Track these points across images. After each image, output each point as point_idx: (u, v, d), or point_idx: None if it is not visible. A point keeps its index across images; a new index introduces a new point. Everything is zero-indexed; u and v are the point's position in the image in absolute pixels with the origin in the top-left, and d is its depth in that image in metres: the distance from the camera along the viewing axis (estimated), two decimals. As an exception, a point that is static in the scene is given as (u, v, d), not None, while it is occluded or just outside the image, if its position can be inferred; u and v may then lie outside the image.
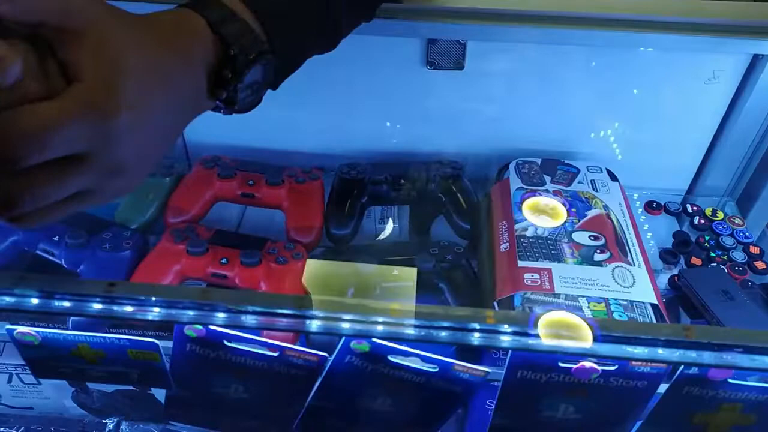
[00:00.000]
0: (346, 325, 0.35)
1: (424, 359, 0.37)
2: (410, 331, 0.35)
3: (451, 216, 0.68)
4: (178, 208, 0.65)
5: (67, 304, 0.35)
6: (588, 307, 0.54)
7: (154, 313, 0.35)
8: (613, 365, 0.37)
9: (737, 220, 0.71)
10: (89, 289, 0.35)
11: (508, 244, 0.61)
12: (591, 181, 0.69)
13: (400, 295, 0.56)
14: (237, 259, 0.58)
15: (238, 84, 0.39)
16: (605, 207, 0.65)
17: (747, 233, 0.69)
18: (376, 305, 0.35)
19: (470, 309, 0.37)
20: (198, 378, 0.41)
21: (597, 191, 0.67)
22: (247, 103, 0.42)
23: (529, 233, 0.61)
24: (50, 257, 0.59)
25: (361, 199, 0.68)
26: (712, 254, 0.66)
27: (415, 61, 0.67)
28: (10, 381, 0.76)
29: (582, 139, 0.75)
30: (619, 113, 0.72)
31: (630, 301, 0.55)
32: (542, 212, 0.64)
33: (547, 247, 0.60)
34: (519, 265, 0.58)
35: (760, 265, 0.65)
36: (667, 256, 0.66)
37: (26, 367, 0.48)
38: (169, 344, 0.40)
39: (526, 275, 0.57)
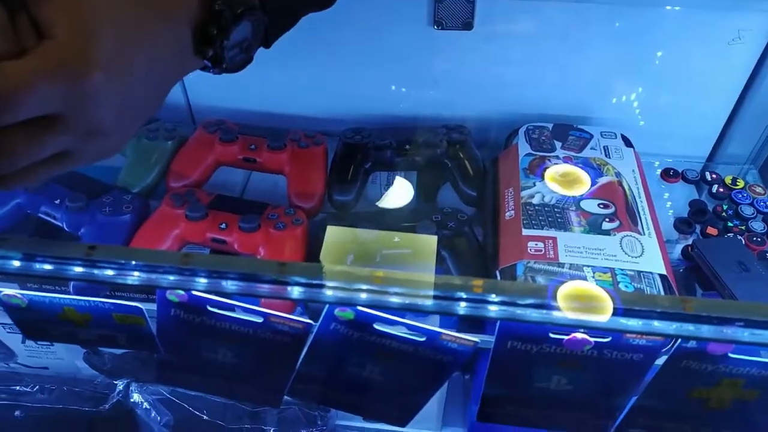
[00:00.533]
0: (329, 293, 0.34)
1: (410, 328, 0.36)
2: (395, 299, 0.34)
3: (457, 182, 0.66)
4: (179, 173, 0.65)
5: (48, 267, 0.35)
6: (593, 276, 0.52)
7: (134, 277, 0.34)
8: (607, 337, 0.35)
9: (758, 189, 0.67)
10: (70, 252, 0.35)
11: (513, 211, 0.59)
12: (604, 147, 0.66)
13: (418, 264, 0.55)
14: (236, 225, 0.57)
15: (225, 41, 0.38)
16: (617, 174, 0.62)
17: (768, 202, 0.66)
18: (359, 272, 0.34)
19: (458, 278, 0.36)
20: (185, 342, 0.41)
21: (610, 158, 0.65)
22: (237, 61, 0.41)
23: (535, 201, 0.59)
24: (52, 220, 0.59)
25: (364, 165, 0.66)
26: (730, 224, 0.64)
27: (422, 21, 0.65)
28: (24, 341, 0.78)
29: (598, 104, 0.71)
30: (638, 76, 0.69)
31: (637, 271, 0.53)
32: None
33: (554, 215, 0.58)
34: (523, 234, 0.56)
35: (780, 235, 0.62)
36: (682, 225, 0.64)
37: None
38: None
39: (530, 244, 0.55)
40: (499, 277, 0.55)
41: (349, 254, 0.57)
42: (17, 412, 0.80)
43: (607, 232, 0.56)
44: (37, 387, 0.81)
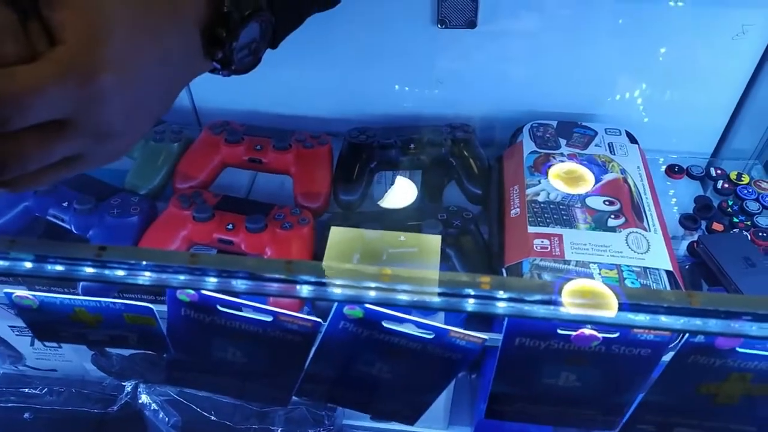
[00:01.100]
0: (337, 291, 0.34)
1: (419, 326, 0.37)
2: (403, 297, 0.34)
3: (462, 181, 0.66)
4: (185, 174, 0.65)
5: (59, 268, 0.35)
6: (599, 273, 0.53)
7: (145, 277, 0.35)
8: (615, 333, 0.35)
9: (764, 184, 0.67)
10: (80, 253, 0.35)
11: (518, 209, 0.59)
12: (609, 144, 0.66)
13: (423, 263, 0.55)
14: (243, 225, 0.57)
15: (234, 43, 0.38)
16: (622, 171, 0.62)
17: (774, 198, 0.66)
18: (366, 270, 0.34)
19: (466, 275, 0.36)
20: (195, 342, 0.42)
21: (614, 154, 0.65)
22: (245, 63, 0.41)
23: (540, 198, 0.59)
24: (60, 222, 0.60)
25: (370, 164, 0.67)
26: (735, 219, 0.64)
27: (425, 20, 0.65)
28: (32, 344, 0.78)
29: (602, 101, 0.72)
30: (642, 72, 0.69)
31: (644, 267, 0.53)
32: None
33: (559, 212, 0.58)
34: (529, 231, 0.56)
35: (786, 231, 0.62)
36: (687, 221, 0.64)
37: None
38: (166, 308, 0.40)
39: (536, 241, 0.55)
40: (505, 275, 0.55)
41: (354, 254, 0.58)
42: (26, 415, 0.80)
43: (612, 229, 0.56)
44: (46, 389, 0.82)
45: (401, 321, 0.36)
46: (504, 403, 0.44)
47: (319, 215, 0.64)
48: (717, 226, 0.63)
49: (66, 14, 0.30)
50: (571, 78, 0.69)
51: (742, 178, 0.68)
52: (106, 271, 0.35)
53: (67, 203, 0.59)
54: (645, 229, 0.56)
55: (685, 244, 0.64)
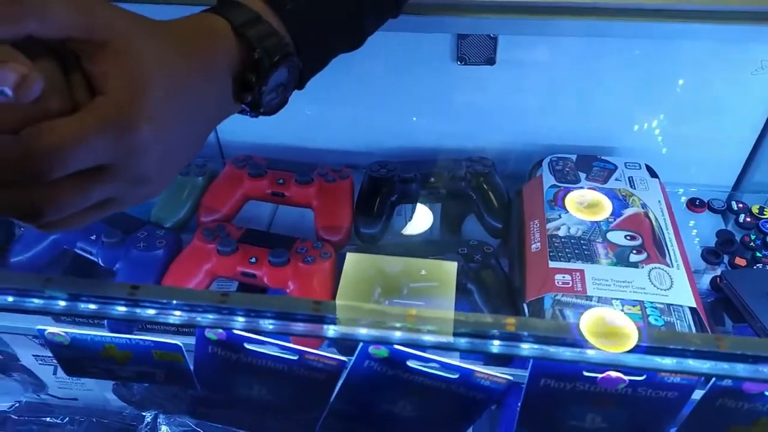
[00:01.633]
0: (363, 331, 0.35)
1: (443, 366, 0.37)
2: (428, 338, 0.34)
3: (482, 214, 0.67)
4: (209, 207, 0.66)
5: (93, 306, 0.36)
6: (622, 310, 0.52)
7: (175, 316, 0.35)
8: (641, 375, 0.35)
9: (787, 218, 0.67)
10: (113, 292, 0.36)
11: (539, 243, 0.59)
12: (629, 177, 0.66)
13: (438, 290, 0.55)
14: (266, 259, 0.58)
15: (263, 87, 0.39)
16: (643, 205, 0.62)
17: (797, 232, 0.65)
18: (393, 310, 0.34)
19: (490, 316, 0.36)
20: (221, 379, 0.42)
21: (635, 188, 0.65)
22: (273, 105, 0.42)
23: (561, 233, 0.59)
24: (88, 255, 0.61)
25: (390, 198, 0.67)
26: (758, 254, 0.63)
27: (445, 57, 0.66)
28: (55, 373, 0.79)
29: (622, 134, 0.72)
30: (661, 106, 0.69)
31: (667, 304, 0.52)
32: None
33: (580, 247, 0.58)
34: (550, 266, 0.56)
35: (810, 266, 0.62)
36: (710, 256, 0.64)
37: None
38: (194, 341, 0.40)
39: (557, 276, 0.55)
40: (526, 311, 0.55)
41: (375, 288, 0.58)
42: (48, 443, 0.81)
43: (635, 264, 0.56)
44: (67, 419, 0.82)
45: (426, 360, 0.37)
46: (528, 443, 0.43)
47: (340, 248, 0.64)
48: (740, 261, 0.63)
49: (107, 67, 0.31)
50: (590, 111, 0.70)
51: (765, 212, 0.68)
52: (138, 310, 0.36)
53: (95, 236, 0.60)
54: (668, 265, 0.56)
55: (707, 277, 0.63)
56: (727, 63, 0.64)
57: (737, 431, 0.37)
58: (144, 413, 0.80)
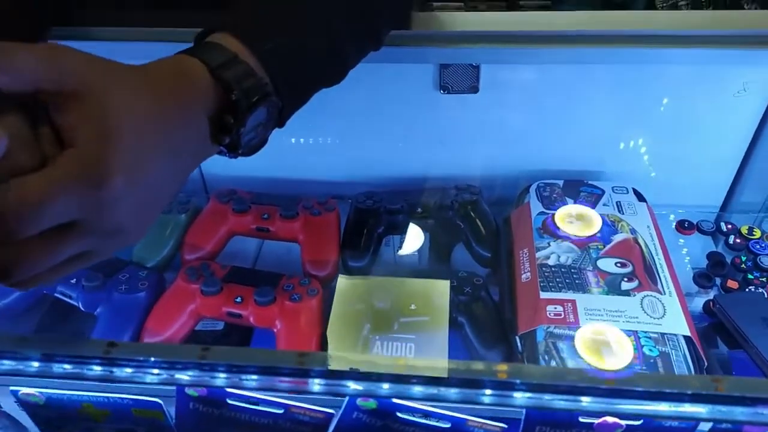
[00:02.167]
0: (350, 385, 0.34)
1: (435, 416, 0.36)
2: (418, 389, 0.33)
3: (470, 243, 0.66)
4: (194, 245, 0.65)
5: (67, 366, 0.35)
6: (616, 341, 0.51)
7: (154, 375, 0.34)
8: (638, 420, 0.34)
9: (776, 239, 0.67)
10: (89, 350, 0.35)
11: (529, 273, 0.58)
12: (617, 202, 0.66)
13: (434, 330, 0.55)
14: (251, 298, 0.57)
15: (241, 128, 0.38)
16: (632, 230, 0.62)
17: (788, 252, 0.65)
18: (381, 361, 0.33)
19: (482, 363, 0.35)
20: (205, 434, 0.41)
21: (623, 213, 0.64)
22: (252, 146, 0.42)
23: (551, 261, 0.59)
24: (68, 300, 0.59)
25: (377, 230, 0.66)
26: (750, 276, 0.63)
27: (428, 86, 0.66)
28: (38, 417, 0.77)
29: (607, 158, 0.72)
30: (647, 129, 0.69)
31: (661, 333, 0.52)
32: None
33: (571, 276, 0.57)
34: (541, 297, 0.55)
35: (803, 287, 0.61)
36: (701, 279, 0.63)
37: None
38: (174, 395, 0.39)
39: (549, 307, 0.54)
40: (518, 343, 0.54)
41: (365, 324, 0.57)
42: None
43: (626, 293, 0.55)
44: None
45: (416, 411, 0.35)
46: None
47: (328, 282, 0.63)
48: (732, 284, 0.62)
49: (76, 118, 0.30)
50: (575, 136, 0.70)
51: (754, 233, 0.67)
52: (114, 369, 0.35)
53: (75, 280, 0.59)
54: (660, 292, 0.55)
55: (699, 300, 0.63)
56: (710, 86, 0.64)
57: (738, 473, 0.36)
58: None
